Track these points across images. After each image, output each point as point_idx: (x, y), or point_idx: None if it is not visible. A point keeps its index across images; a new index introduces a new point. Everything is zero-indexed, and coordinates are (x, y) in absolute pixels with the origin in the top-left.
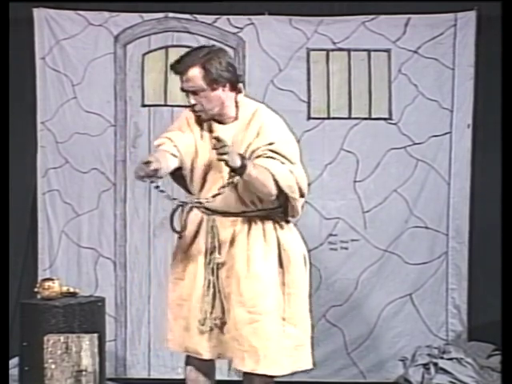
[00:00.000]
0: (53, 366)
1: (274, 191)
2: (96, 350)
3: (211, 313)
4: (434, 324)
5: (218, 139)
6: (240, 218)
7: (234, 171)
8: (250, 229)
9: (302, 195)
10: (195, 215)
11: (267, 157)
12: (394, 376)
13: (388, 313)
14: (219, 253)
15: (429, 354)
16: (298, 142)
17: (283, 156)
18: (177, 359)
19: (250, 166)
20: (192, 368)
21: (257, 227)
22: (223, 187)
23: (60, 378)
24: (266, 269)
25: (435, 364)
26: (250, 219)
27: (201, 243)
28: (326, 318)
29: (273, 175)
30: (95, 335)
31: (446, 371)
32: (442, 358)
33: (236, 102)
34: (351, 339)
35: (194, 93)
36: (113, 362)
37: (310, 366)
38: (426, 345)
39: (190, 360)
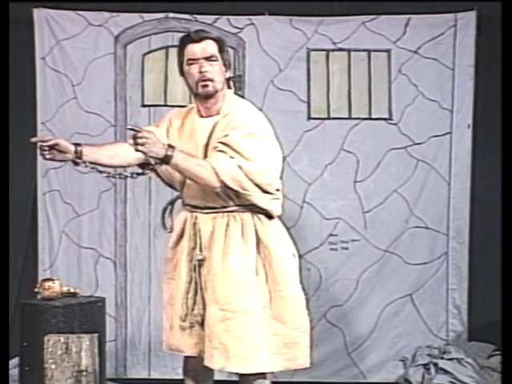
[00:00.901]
0: (53, 367)
1: (216, 184)
2: (96, 350)
3: (192, 309)
4: (434, 324)
5: (134, 130)
6: (220, 214)
7: (159, 160)
8: (228, 225)
9: (264, 191)
10: (182, 213)
11: (218, 150)
12: (395, 376)
13: (388, 313)
14: (200, 249)
15: (429, 355)
16: (297, 143)
17: (235, 150)
18: (177, 359)
19: (177, 158)
20: (189, 371)
21: (236, 224)
22: (143, 172)
23: (60, 379)
24: (242, 266)
25: (435, 364)
26: (229, 215)
27: (186, 241)
28: (326, 318)
29: (213, 168)
30: (95, 335)
31: (446, 371)
32: (442, 358)
33: (223, 97)
34: (351, 339)
35: (209, 59)
36: (113, 362)
37: (306, 364)
38: (426, 345)
39: (187, 361)
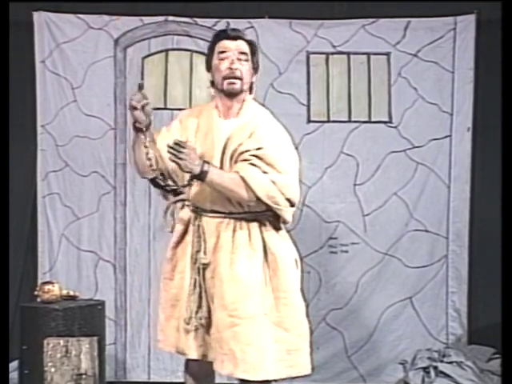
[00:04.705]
0: (52, 370)
1: (247, 198)
2: (96, 353)
3: (197, 312)
4: (434, 327)
5: (177, 144)
6: (226, 220)
7: (194, 176)
8: (235, 231)
9: (291, 205)
10: (185, 213)
11: (250, 163)
12: (394, 379)
13: (388, 316)
14: (204, 253)
15: (429, 358)
16: (297, 146)
17: (268, 163)
18: (177, 362)
19: (212, 174)
20: (190, 374)
21: (243, 230)
22: (184, 186)
23: (60, 382)
24: (249, 272)
25: (435, 367)
26: (236, 221)
27: (188, 242)
28: (325, 322)
29: (248, 184)
30: (95, 338)
31: (446, 375)
32: (442, 361)
33: (243, 100)
34: (351, 342)
35: (240, 58)
36: (113, 365)
37: (308, 371)
38: (426, 348)
39: (189, 365)
